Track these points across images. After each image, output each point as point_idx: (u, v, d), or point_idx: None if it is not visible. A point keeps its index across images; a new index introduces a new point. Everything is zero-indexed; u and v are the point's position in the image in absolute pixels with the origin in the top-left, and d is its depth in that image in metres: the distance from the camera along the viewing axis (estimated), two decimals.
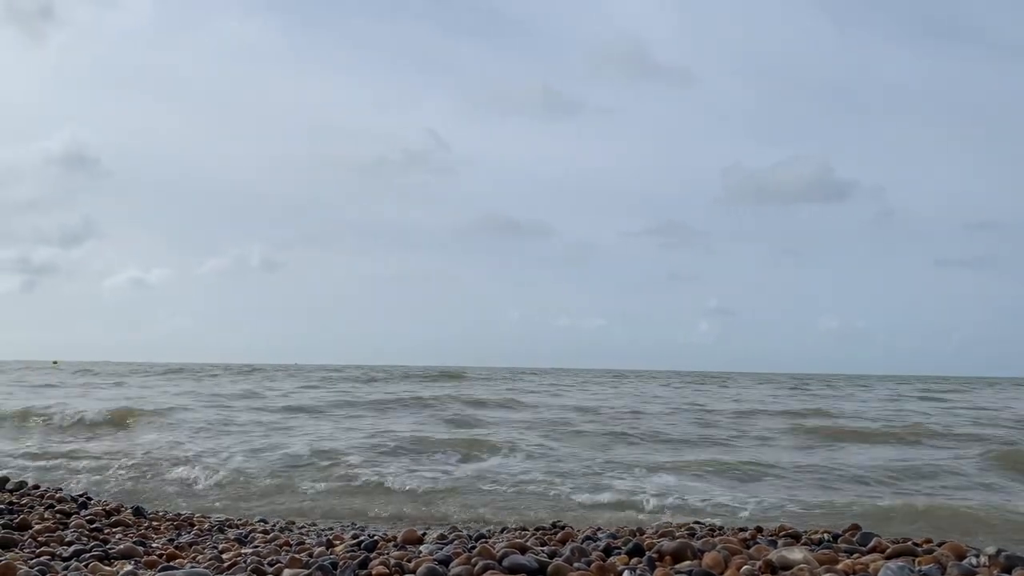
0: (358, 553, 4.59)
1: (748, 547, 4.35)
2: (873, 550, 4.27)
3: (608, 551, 4.33)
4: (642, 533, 5.14)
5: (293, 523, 7.44)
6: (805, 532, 5.09)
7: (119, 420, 16.30)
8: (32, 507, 6.31)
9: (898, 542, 4.40)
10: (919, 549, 4.17)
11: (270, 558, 4.64)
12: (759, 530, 5.31)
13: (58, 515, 6.09)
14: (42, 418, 16.39)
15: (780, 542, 4.61)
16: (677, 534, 4.91)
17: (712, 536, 4.86)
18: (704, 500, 8.77)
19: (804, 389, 43.70)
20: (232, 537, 5.97)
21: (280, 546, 5.38)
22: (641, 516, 8.17)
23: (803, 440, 15.49)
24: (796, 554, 3.92)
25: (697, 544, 4.21)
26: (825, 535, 4.90)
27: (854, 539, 4.66)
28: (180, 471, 10.51)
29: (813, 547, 4.40)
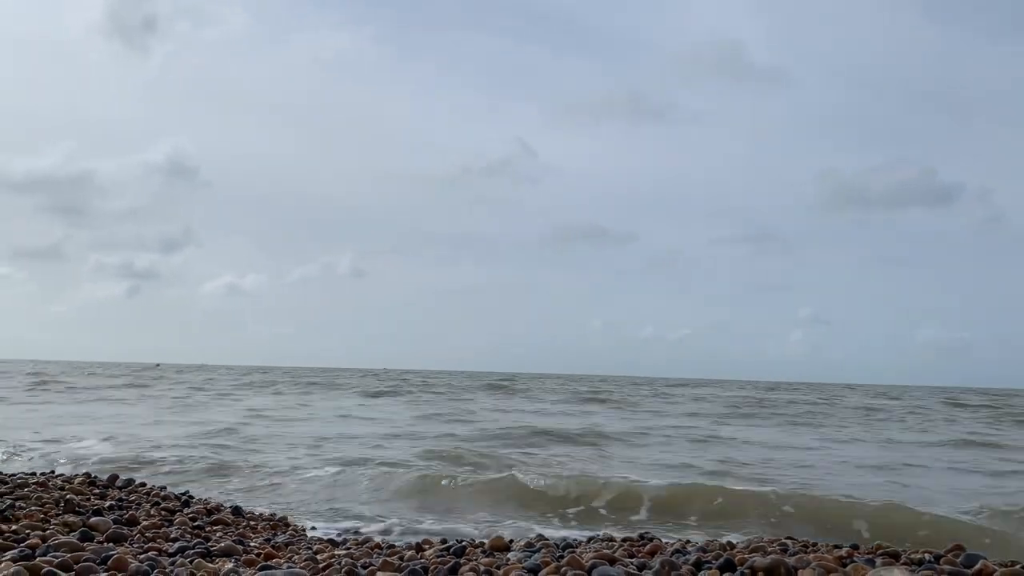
0: (447, 559, 4.67)
1: (844, 565, 4.22)
2: (979, 573, 4.09)
3: (699, 565, 4.28)
4: (732, 547, 5.06)
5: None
6: (904, 551, 4.91)
7: None
8: (139, 504, 6.63)
9: (1006, 565, 4.20)
10: None
11: (363, 560, 4.76)
12: (855, 548, 5.16)
13: (163, 512, 6.38)
14: None
15: (878, 561, 4.46)
16: (769, 549, 4.81)
17: (806, 552, 4.74)
18: None
19: None
20: (325, 538, 6.14)
21: (371, 548, 5.51)
22: None
23: None
24: (896, 575, 3.79)
25: (791, 561, 4.12)
26: (926, 555, 4.72)
27: (958, 560, 4.47)
28: None
29: (914, 567, 4.24)
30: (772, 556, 4.20)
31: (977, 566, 4.21)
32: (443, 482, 9.61)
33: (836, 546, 5.29)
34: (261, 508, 7.85)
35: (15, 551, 4.33)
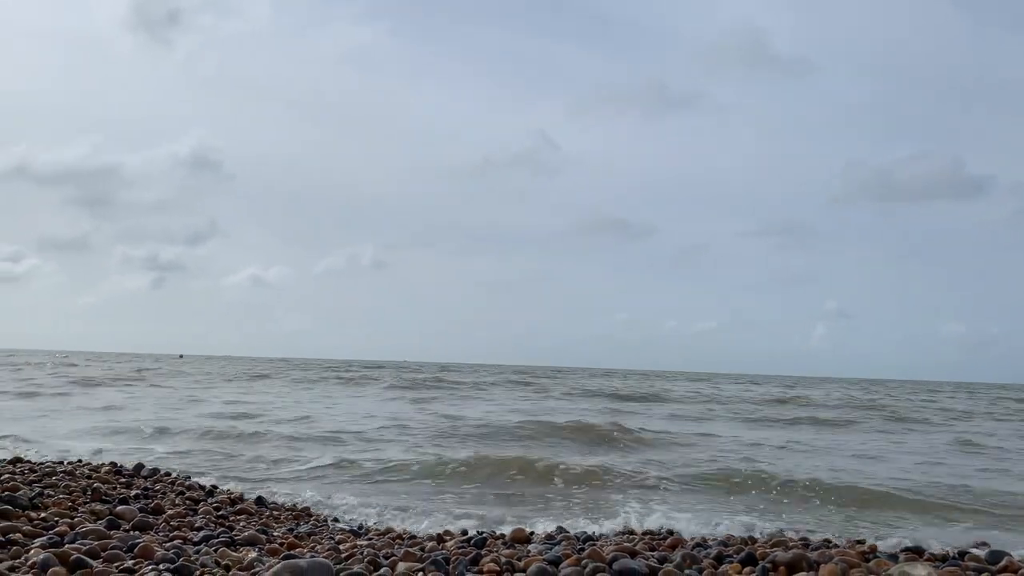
0: (469, 550, 4.69)
1: (867, 560, 4.20)
2: (1004, 570, 4.06)
3: (719, 559, 4.28)
4: (754, 542, 5.04)
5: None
6: (927, 547, 4.88)
7: None
8: (164, 493, 6.71)
9: None
10: None
11: (384, 551, 4.79)
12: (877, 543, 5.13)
13: (188, 501, 6.45)
14: None
15: (901, 557, 4.44)
16: (791, 545, 4.79)
17: (828, 548, 4.72)
18: None
19: None
20: (347, 528, 6.19)
21: (393, 539, 5.54)
22: None
23: None
24: (920, 571, 3.77)
25: (813, 556, 4.10)
26: (950, 551, 4.69)
27: (982, 556, 4.44)
28: None
29: (938, 563, 4.22)
30: (794, 551, 4.19)
31: (1002, 562, 4.18)
32: None
33: (858, 541, 5.27)
34: (283, 498, 7.91)
35: (44, 538, 4.41)
